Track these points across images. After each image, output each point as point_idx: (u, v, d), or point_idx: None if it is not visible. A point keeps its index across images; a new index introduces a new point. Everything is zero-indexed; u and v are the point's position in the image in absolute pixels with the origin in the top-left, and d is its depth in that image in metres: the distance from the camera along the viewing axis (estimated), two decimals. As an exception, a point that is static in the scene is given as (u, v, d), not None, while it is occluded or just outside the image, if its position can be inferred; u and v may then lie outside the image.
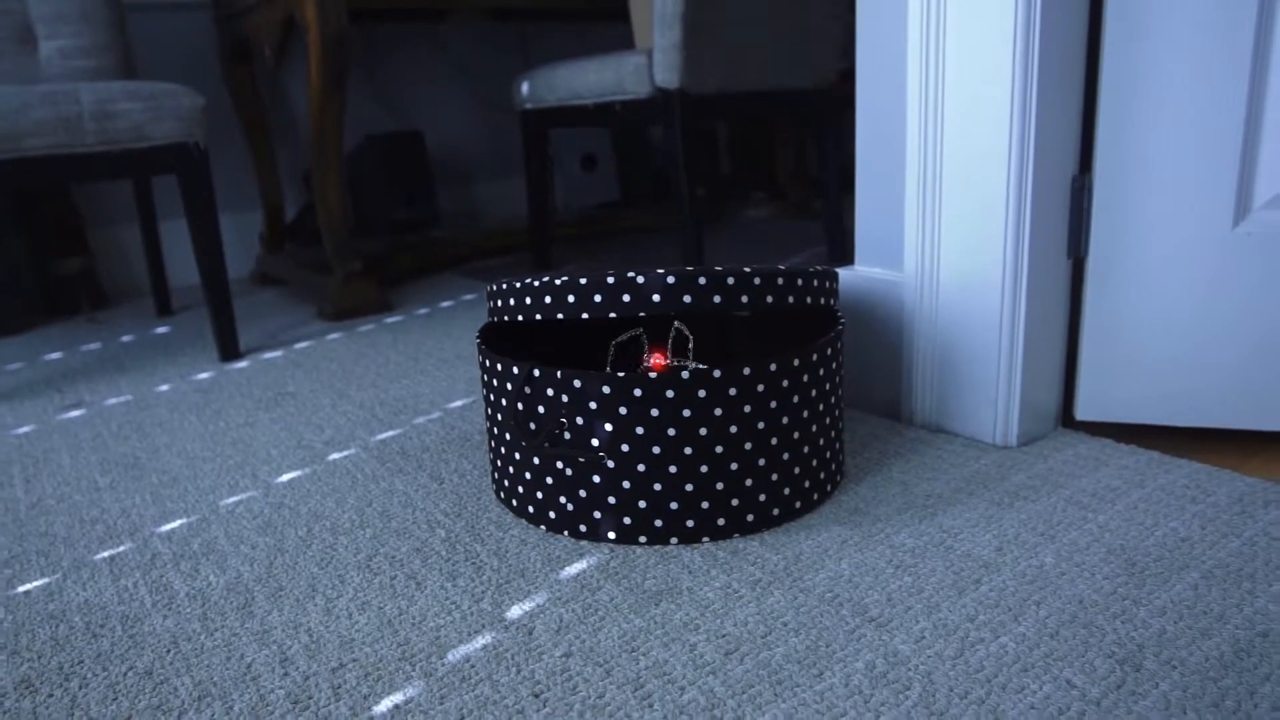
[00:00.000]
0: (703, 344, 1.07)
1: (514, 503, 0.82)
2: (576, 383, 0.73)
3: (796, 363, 0.74)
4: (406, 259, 1.96)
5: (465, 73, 2.42)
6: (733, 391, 0.72)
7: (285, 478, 0.94)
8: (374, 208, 2.12)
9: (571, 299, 0.78)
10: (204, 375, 1.34)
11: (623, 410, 0.72)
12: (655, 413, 0.72)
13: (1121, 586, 0.65)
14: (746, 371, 0.72)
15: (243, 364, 1.39)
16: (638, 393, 0.71)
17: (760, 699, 0.55)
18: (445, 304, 1.72)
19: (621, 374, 0.71)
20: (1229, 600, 0.63)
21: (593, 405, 0.72)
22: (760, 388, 0.73)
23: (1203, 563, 0.68)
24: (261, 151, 1.96)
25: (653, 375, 0.71)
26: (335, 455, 0.99)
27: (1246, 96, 0.82)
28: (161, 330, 1.66)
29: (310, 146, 1.66)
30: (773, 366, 0.73)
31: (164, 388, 1.29)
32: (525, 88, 1.84)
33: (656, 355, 0.80)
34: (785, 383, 0.74)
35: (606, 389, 0.72)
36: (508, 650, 0.62)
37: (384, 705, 0.57)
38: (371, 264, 1.91)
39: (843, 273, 1.02)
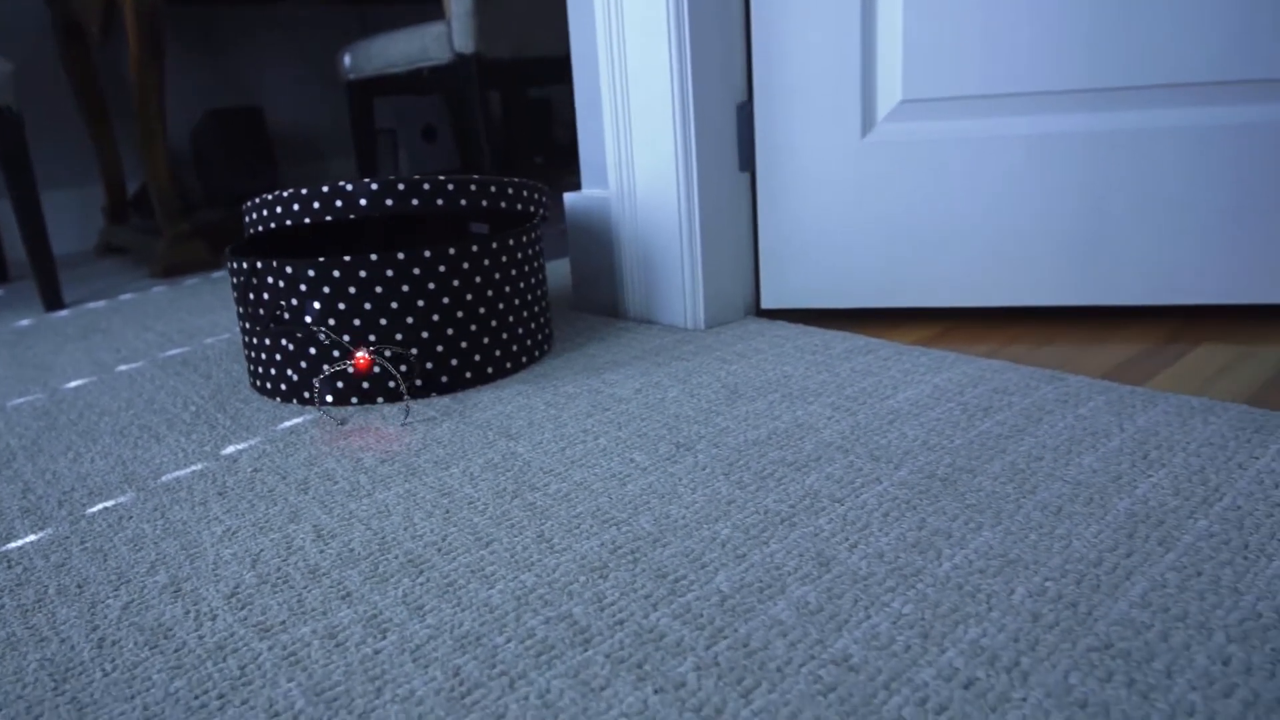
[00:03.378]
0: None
1: (257, 383, 0.96)
2: (288, 269, 0.87)
3: (475, 249, 0.90)
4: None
5: (307, 52, 2.53)
6: (416, 271, 0.87)
7: (73, 384, 1.07)
8: (217, 181, 2.22)
9: (297, 207, 0.93)
10: (25, 322, 1.45)
11: (326, 290, 0.87)
12: (353, 290, 0.87)
13: (718, 406, 0.83)
14: (427, 254, 0.88)
15: (64, 313, 1.50)
16: (336, 274, 0.86)
17: (392, 483, 0.71)
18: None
19: (322, 259, 0.86)
20: (787, 408, 0.81)
21: (302, 287, 0.87)
22: (442, 268, 0.89)
23: (788, 389, 0.86)
24: (99, 127, 2.05)
25: (357, 363, 0.85)
26: (123, 367, 1.12)
27: (860, 25, 1.01)
28: (-3, 294, 1.75)
29: (135, 117, 1.77)
30: (451, 251, 0.89)
31: (-16, 333, 1.39)
32: (347, 59, 1.97)
33: (359, 354, 0.86)
34: (466, 265, 0.90)
35: (311, 272, 0.87)
36: (211, 471, 0.77)
37: (96, 508, 0.71)
38: (206, 229, 2.02)
39: (573, 195, 1.19)
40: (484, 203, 0.96)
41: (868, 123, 1.04)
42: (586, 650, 0.48)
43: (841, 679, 0.45)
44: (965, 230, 1.03)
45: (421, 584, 0.56)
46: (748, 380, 0.89)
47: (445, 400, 0.90)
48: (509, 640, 0.50)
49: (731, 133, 1.07)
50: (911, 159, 1.03)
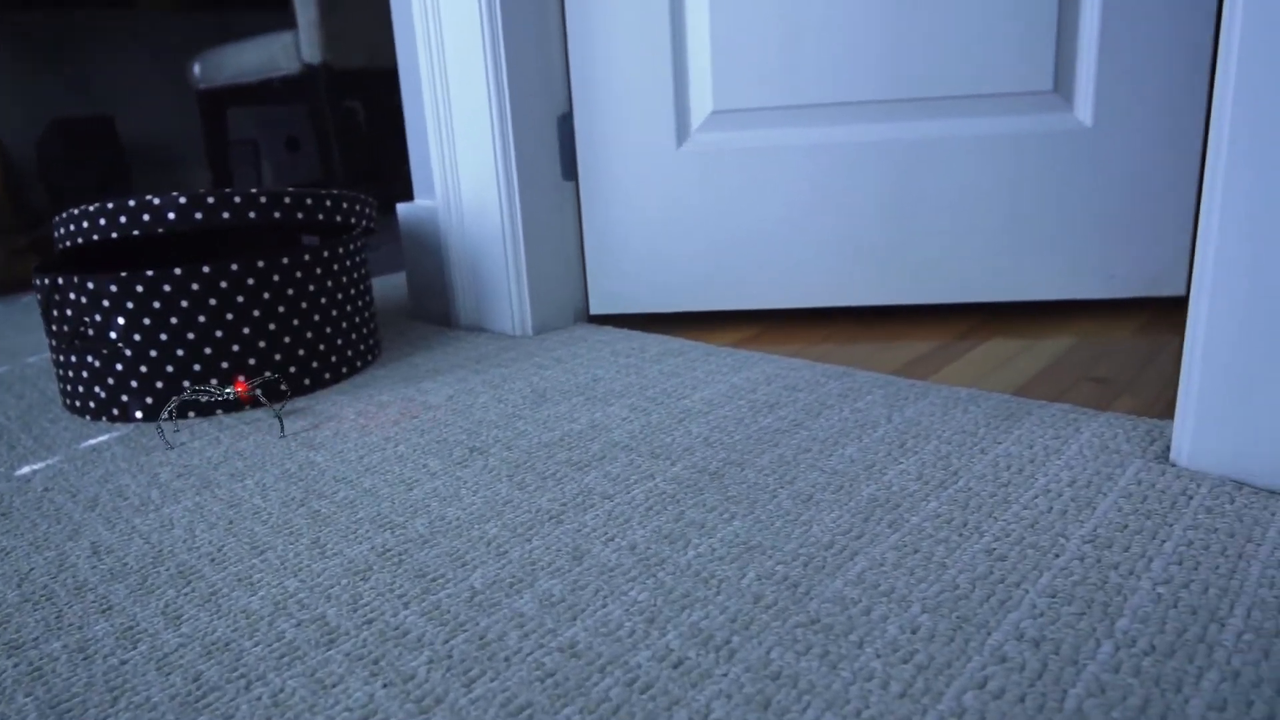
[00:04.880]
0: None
1: (67, 401, 0.95)
2: (89, 285, 0.87)
3: (285, 261, 0.91)
4: (94, 239, 2.02)
5: (163, 60, 2.47)
6: (224, 285, 0.88)
7: (-124, 408, 1.03)
8: (65, 193, 2.16)
9: (103, 222, 0.92)
10: None
11: (129, 305, 0.86)
12: (157, 305, 0.87)
13: (522, 410, 0.85)
14: (234, 268, 0.88)
15: (-114, 333, 1.44)
16: (139, 289, 0.86)
17: (183, 496, 0.72)
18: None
19: (124, 274, 0.86)
20: (587, 411, 0.84)
21: (106, 303, 0.87)
22: (250, 282, 0.89)
23: (594, 391, 0.89)
24: (-67, 139, 1.97)
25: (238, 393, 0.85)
26: (-66, 389, 1.09)
27: (670, 41, 1.05)
28: None
29: (-34, 127, 1.71)
30: (260, 264, 0.89)
31: None
32: (197, 69, 1.94)
33: (239, 384, 0.89)
34: (276, 278, 0.90)
35: (114, 288, 0.86)
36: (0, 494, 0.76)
37: None
38: (49, 243, 1.96)
39: (405, 206, 1.20)
40: (300, 215, 0.96)
41: (682, 133, 1.08)
42: (329, 650, 0.50)
43: (562, 665, 0.48)
44: (779, 235, 1.08)
45: (186, 594, 0.57)
46: (557, 384, 0.91)
47: (258, 413, 0.90)
48: (257, 644, 0.51)
49: (554, 144, 1.10)
50: (725, 167, 1.08)
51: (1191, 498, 0.61)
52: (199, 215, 0.91)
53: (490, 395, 0.90)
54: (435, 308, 1.19)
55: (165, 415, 0.88)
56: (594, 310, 1.15)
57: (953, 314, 1.12)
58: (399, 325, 1.21)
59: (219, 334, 0.88)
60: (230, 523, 0.66)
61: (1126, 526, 0.58)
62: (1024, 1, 0.97)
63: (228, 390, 0.87)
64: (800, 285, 1.09)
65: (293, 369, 0.93)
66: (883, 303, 1.09)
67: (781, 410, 0.81)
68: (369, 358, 1.03)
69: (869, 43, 1.01)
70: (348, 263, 0.98)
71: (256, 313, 0.90)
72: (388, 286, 1.50)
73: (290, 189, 0.96)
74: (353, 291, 0.99)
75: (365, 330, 1.02)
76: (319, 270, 0.94)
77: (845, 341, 1.04)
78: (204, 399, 0.88)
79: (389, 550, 0.61)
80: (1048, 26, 0.98)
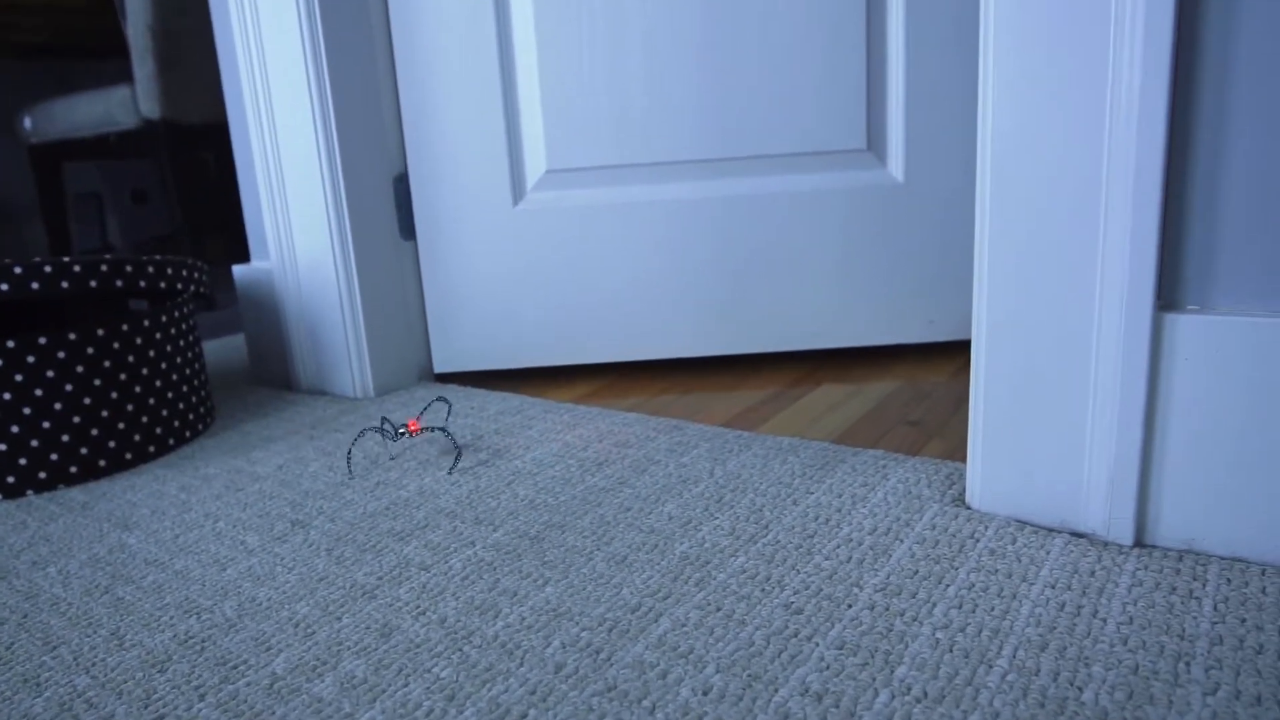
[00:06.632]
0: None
1: None
2: (-119, 366, 0.82)
3: (101, 333, 0.88)
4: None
5: (-3, 112, 2.37)
6: (31, 359, 0.84)
7: None
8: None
9: (-100, 297, 0.87)
10: None
11: (-74, 386, 0.82)
12: (-42, 385, 0.83)
13: (345, 478, 0.84)
14: (42, 341, 0.85)
15: None
16: (-63, 369, 0.82)
17: (-23, 589, 0.68)
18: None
19: (-80, 354, 0.82)
20: (416, 476, 0.83)
21: (-101, 384, 0.82)
22: (62, 354, 0.86)
23: (420, 455, 0.88)
24: None
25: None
26: None
27: (502, 102, 1.07)
28: None
29: None
30: (72, 336, 0.86)
31: None
32: (28, 122, 1.86)
33: (412, 425, 0.86)
34: (91, 350, 0.87)
35: (-92, 368, 0.82)
36: None
37: None
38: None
39: (241, 268, 1.17)
40: (120, 283, 0.93)
41: (518, 192, 1.10)
42: (113, 752, 0.49)
43: (354, 751, 0.47)
44: (617, 290, 1.10)
45: (-36, 700, 0.54)
46: (391, 449, 0.91)
47: (74, 492, 0.86)
48: (35, 751, 0.49)
49: (390, 204, 1.10)
50: (562, 225, 1.09)
51: (978, 540, 0.65)
52: (4, 287, 0.88)
53: (321, 463, 0.89)
54: (276, 371, 1.17)
55: (349, 452, 0.85)
56: (438, 369, 1.15)
57: (788, 361, 1.16)
58: (239, 390, 1.18)
59: (27, 411, 0.85)
60: (24, 616, 0.64)
61: (917, 572, 0.61)
62: (835, 67, 1.03)
63: (401, 430, 0.86)
64: (642, 338, 1.12)
65: (111, 443, 0.90)
66: (722, 353, 1.12)
67: (610, 468, 0.82)
68: (199, 427, 1.00)
69: (694, 104, 1.05)
70: (173, 330, 0.96)
71: (69, 387, 0.86)
72: (233, 348, 1.46)
73: (108, 256, 0.93)
74: (179, 360, 0.96)
75: (195, 399, 0.99)
76: (139, 340, 0.91)
77: (684, 392, 1.06)
78: (383, 437, 0.89)
79: (192, 638, 0.59)
80: (858, 90, 1.03)
